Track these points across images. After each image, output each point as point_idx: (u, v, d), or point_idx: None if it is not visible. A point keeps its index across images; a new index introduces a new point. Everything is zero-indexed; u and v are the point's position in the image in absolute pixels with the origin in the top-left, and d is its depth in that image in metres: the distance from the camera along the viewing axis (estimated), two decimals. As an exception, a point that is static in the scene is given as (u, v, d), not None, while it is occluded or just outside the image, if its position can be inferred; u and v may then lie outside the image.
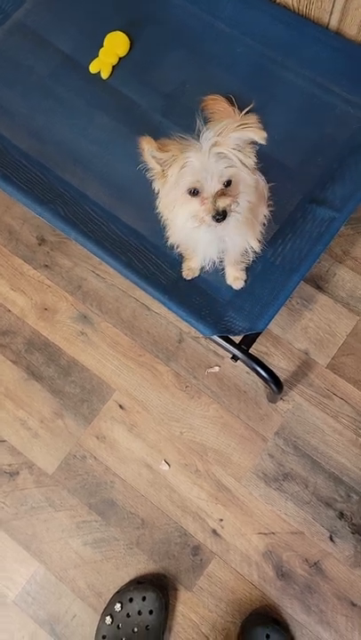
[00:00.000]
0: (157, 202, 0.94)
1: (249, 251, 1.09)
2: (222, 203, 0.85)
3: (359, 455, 1.33)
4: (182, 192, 0.87)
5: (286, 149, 1.26)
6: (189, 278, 1.19)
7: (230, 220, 0.90)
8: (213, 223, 0.86)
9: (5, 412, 1.41)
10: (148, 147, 0.84)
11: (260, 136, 0.83)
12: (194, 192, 0.86)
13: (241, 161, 0.85)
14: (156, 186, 0.91)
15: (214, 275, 1.20)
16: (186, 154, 0.83)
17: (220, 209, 0.85)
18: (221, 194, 0.86)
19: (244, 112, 1.12)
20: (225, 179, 0.85)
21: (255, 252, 1.10)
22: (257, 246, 1.09)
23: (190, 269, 1.19)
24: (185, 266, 1.19)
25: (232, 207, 0.88)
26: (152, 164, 0.87)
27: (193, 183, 0.85)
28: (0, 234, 1.55)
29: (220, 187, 0.85)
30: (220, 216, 0.85)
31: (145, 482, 1.34)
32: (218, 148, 0.83)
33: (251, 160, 0.86)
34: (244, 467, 1.34)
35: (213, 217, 0.85)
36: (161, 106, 1.35)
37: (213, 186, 0.85)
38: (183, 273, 1.19)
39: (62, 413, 1.41)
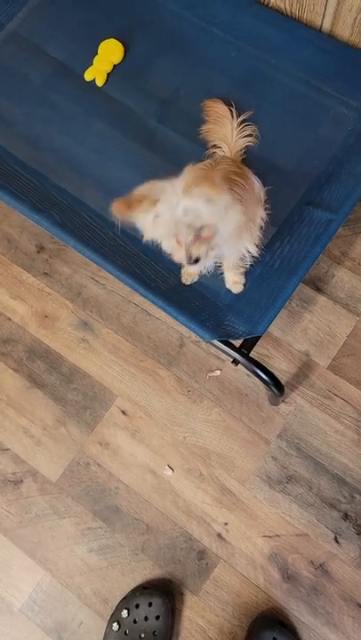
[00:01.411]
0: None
1: (247, 255, 1.10)
2: (195, 250, 0.90)
3: (362, 456, 1.33)
4: (160, 234, 0.92)
5: (282, 152, 1.27)
6: (189, 283, 1.20)
7: (211, 254, 0.94)
8: (189, 265, 0.92)
9: (8, 421, 1.42)
10: (119, 212, 0.88)
11: (218, 198, 0.85)
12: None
13: (210, 212, 0.87)
14: (138, 225, 0.94)
15: (213, 279, 1.20)
16: (156, 207, 0.87)
17: (193, 257, 0.90)
18: (196, 239, 0.89)
19: (240, 118, 1.13)
20: (196, 228, 0.88)
21: (253, 256, 1.11)
22: (254, 250, 1.10)
23: (189, 274, 1.19)
24: (184, 271, 1.19)
25: (209, 250, 0.91)
26: (127, 221, 0.91)
27: (167, 231, 0.90)
28: (-1, 242, 1.56)
29: (192, 236, 0.89)
30: (193, 262, 0.91)
31: (149, 487, 1.34)
32: (185, 201, 0.85)
33: (220, 209, 0.88)
34: (248, 470, 1.34)
35: (187, 262, 0.91)
36: (156, 111, 1.35)
37: (186, 236, 0.88)
38: (182, 278, 1.20)
39: (65, 421, 1.41)
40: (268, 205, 1.15)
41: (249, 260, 1.12)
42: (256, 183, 1.08)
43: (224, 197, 0.87)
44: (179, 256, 0.92)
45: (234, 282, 1.18)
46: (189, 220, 0.87)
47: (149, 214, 0.88)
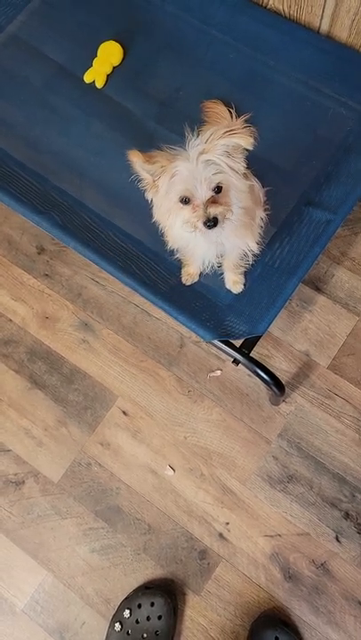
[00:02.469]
0: (153, 211, 0.95)
1: (248, 253, 1.10)
2: (213, 210, 0.86)
3: (363, 455, 1.34)
4: (174, 201, 0.88)
5: (281, 152, 1.28)
6: (189, 284, 1.20)
7: (226, 225, 0.91)
8: (205, 229, 0.87)
9: (9, 422, 1.42)
10: (136, 159, 0.85)
11: (246, 142, 0.84)
12: (185, 200, 0.88)
13: (230, 166, 0.86)
14: (149, 196, 0.92)
15: (213, 279, 1.20)
16: (174, 163, 0.84)
17: (211, 216, 0.86)
18: (213, 201, 0.87)
19: (240, 119, 1.13)
20: (214, 185, 0.86)
21: (254, 254, 1.10)
22: (256, 248, 1.08)
23: (190, 275, 1.20)
24: (184, 271, 1.20)
25: (225, 214, 0.89)
26: (143, 175, 0.88)
27: (183, 192, 0.86)
28: (-1, 244, 1.56)
29: (210, 193, 0.86)
30: (212, 222, 0.86)
31: (150, 487, 1.35)
32: (205, 155, 0.83)
33: (240, 165, 0.87)
34: (249, 469, 1.34)
35: (205, 223, 0.86)
36: (155, 113, 1.36)
37: (203, 193, 0.86)
38: (182, 278, 1.20)
39: (66, 421, 1.41)
40: (267, 206, 1.15)
41: (250, 259, 1.12)
42: (255, 184, 1.09)
43: (247, 143, 0.84)
44: (194, 221, 0.88)
45: (234, 282, 1.18)
46: (209, 175, 0.84)
47: (166, 176, 0.85)
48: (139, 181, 0.90)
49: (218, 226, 0.87)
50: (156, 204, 0.92)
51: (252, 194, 1.05)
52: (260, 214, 1.11)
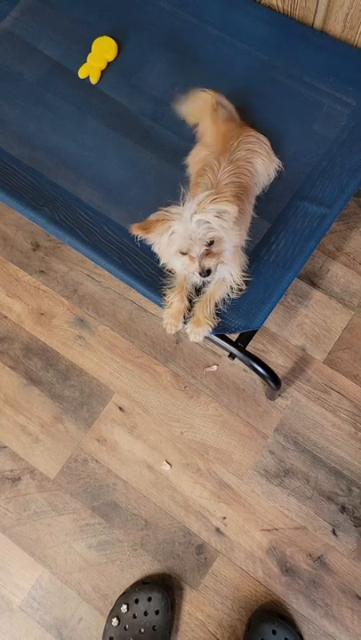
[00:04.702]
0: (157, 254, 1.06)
1: (232, 282, 1.11)
2: (207, 263, 0.99)
3: (358, 448, 1.34)
4: (174, 252, 1.00)
5: (275, 148, 1.27)
6: (172, 332, 1.15)
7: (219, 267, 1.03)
8: (200, 278, 1.01)
9: (5, 419, 1.42)
10: (137, 233, 0.97)
11: (231, 209, 0.96)
12: (183, 252, 0.99)
13: (220, 225, 0.97)
14: (155, 249, 1.04)
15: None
16: (171, 222, 0.96)
17: (205, 269, 0.99)
18: (207, 253, 0.99)
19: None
20: (207, 240, 0.97)
21: (237, 283, 1.11)
22: (239, 276, 1.11)
23: (172, 324, 1.13)
24: (166, 322, 1.14)
25: (218, 264, 1.01)
26: (147, 239, 1.01)
27: (181, 248, 0.98)
28: (-6, 241, 1.56)
29: (204, 248, 0.98)
30: (206, 273, 1.00)
31: (147, 483, 1.35)
32: (198, 215, 0.95)
33: (229, 222, 0.98)
34: (246, 464, 1.35)
35: (200, 274, 1.00)
36: (150, 109, 1.36)
37: (198, 248, 0.97)
38: (166, 328, 1.14)
39: (62, 417, 1.41)
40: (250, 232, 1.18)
41: (233, 286, 1.12)
42: (247, 213, 1.15)
43: (232, 210, 0.96)
44: (191, 270, 1.01)
45: (197, 321, 1.11)
46: (202, 233, 0.96)
47: (165, 235, 0.97)
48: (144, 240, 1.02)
49: (211, 274, 1.00)
50: (159, 253, 1.04)
51: (242, 226, 1.11)
52: (243, 236, 1.14)
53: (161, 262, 1.08)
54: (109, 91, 1.39)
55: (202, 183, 1.11)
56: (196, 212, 0.95)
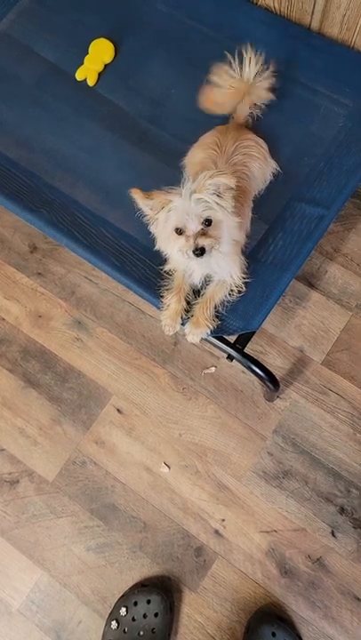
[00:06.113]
0: (156, 240, 1.06)
1: (232, 284, 1.10)
2: (202, 241, 0.97)
3: (357, 450, 1.34)
4: (170, 231, 0.99)
5: (273, 149, 1.27)
6: (170, 333, 1.14)
7: (215, 254, 1.01)
8: (194, 257, 0.98)
9: (3, 421, 1.41)
10: (137, 196, 0.97)
11: (231, 181, 0.96)
12: (179, 231, 0.99)
13: (218, 203, 0.97)
14: (152, 229, 1.03)
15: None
16: (170, 199, 0.96)
17: (199, 245, 0.97)
18: (203, 233, 0.98)
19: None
20: (203, 218, 0.97)
21: (236, 284, 1.11)
22: (239, 278, 1.11)
23: (170, 325, 1.13)
24: (164, 323, 1.14)
25: (213, 246, 0.99)
26: (144, 209, 1.00)
27: (177, 223, 0.98)
28: (-8, 243, 1.56)
29: (200, 227, 0.97)
30: (199, 251, 0.97)
31: (145, 485, 1.35)
32: (197, 194, 0.95)
33: (228, 203, 0.98)
34: (244, 466, 1.35)
35: (193, 251, 0.97)
36: (147, 111, 1.36)
37: (194, 225, 0.97)
38: (164, 329, 1.14)
39: (60, 420, 1.41)
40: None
41: (234, 291, 1.12)
42: (247, 216, 1.14)
43: (230, 182, 0.95)
44: (185, 249, 0.98)
45: (195, 323, 1.11)
46: (200, 210, 0.96)
47: (163, 211, 0.97)
48: (144, 217, 1.02)
49: (205, 255, 0.98)
50: (157, 234, 1.04)
51: (241, 229, 1.10)
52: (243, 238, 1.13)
53: (156, 246, 1.07)
54: (106, 93, 1.39)
55: None
56: (195, 192, 0.95)
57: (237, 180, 1.11)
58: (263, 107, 1.29)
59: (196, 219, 0.96)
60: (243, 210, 1.12)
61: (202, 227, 0.97)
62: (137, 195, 0.97)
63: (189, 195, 0.95)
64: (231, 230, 1.02)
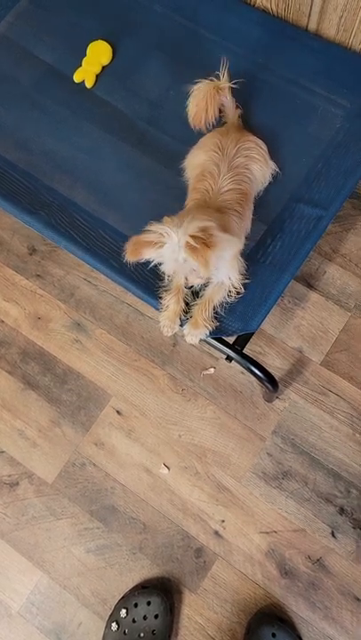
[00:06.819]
0: None
1: (232, 280, 1.10)
2: (192, 280, 1.02)
3: (357, 450, 1.34)
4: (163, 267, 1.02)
5: (271, 150, 1.28)
6: (169, 334, 1.15)
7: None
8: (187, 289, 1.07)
9: (3, 423, 1.41)
10: (131, 260, 0.97)
11: (206, 269, 0.94)
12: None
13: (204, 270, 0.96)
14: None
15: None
16: (162, 251, 0.95)
17: (189, 284, 1.04)
18: (194, 273, 1.00)
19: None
20: (193, 269, 0.98)
21: (235, 287, 1.11)
22: (237, 280, 1.11)
23: (168, 327, 1.14)
24: (162, 324, 1.14)
25: (204, 278, 1.03)
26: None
27: (168, 271, 1.03)
28: (-10, 245, 1.56)
29: (192, 269, 0.99)
30: (189, 288, 1.06)
31: (145, 486, 1.35)
32: (183, 253, 0.94)
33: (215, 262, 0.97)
34: (244, 467, 1.35)
35: (185, 286, 1.06)
36: (146, 113, 1.36)
37: (184, 271, 1.00)
38: (163, 329, 1.15)
39: (60, 422, 1.41)
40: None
41: (230, 290, 1.12)
42: (247, 219, 1.15)
43: (206, 271, 0.95)
44: (178, 278, 1.05)
45: (194, 324, 1.12)
46: (188, 268, 0.98)
47: (155, 254, 0.98)
48: None
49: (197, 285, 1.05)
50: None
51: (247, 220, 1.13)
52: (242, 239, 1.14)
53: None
54: (105, 94, 1.39)
55: (201, 189, 1.11)
56: (182, 248, 0.94)
57: (239, 184, 1.13)
58: (240, 104, 1.28)
59: (187, 266, 0.97)
60: (244, 213, 1.12)
61: (194, 269, 0.98)
62: (131, 255, 0.97)
63: (178, 246, 0.94)
64: (226, 252, 1.02)
